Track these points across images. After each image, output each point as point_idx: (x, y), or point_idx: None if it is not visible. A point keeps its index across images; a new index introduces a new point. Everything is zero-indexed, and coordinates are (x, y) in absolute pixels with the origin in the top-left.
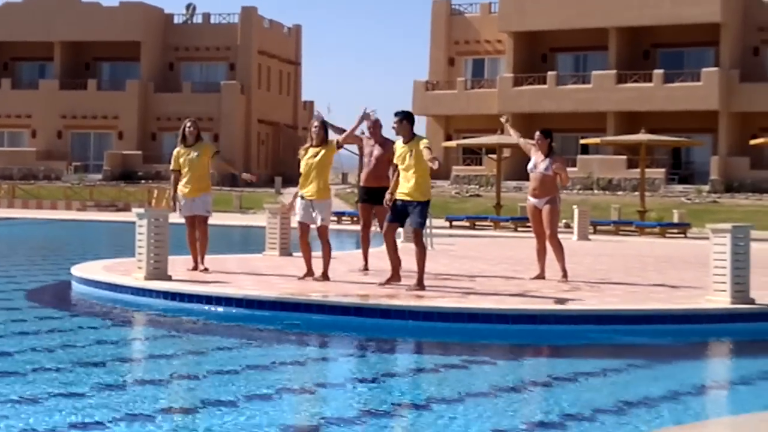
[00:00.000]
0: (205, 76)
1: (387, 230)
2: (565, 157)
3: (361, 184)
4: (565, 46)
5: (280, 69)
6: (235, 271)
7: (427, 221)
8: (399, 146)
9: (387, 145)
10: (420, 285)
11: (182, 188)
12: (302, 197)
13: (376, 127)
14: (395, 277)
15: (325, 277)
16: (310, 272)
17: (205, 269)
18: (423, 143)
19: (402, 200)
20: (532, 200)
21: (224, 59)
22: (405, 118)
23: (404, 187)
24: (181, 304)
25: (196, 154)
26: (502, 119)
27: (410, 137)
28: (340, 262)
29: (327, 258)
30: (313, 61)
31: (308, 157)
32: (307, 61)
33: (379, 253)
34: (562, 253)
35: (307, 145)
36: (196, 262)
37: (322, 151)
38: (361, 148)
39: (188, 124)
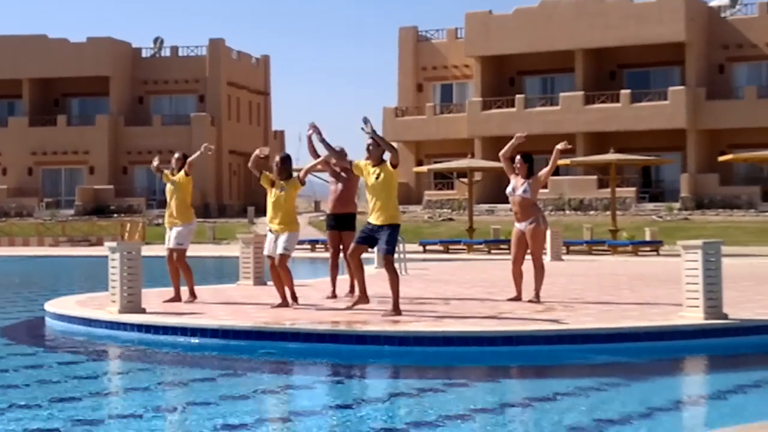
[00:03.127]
0: (175, 109)
1: (353, 251)
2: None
3: (328, 211)
4: (532, 69)
5: (250, 99)
6: (210, 302)
7: (400, 246)
8: (364, 165)
9: (352, 172)
10: (396, 310)
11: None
12: (270, 230)
13: (340, 156)
14: (363, 299)
15: (293, 299)
16: (284, 302)
17: (192, 299)
18: (388, 158)
19: (371, 224)
20: (517, 225)
21: (193, 91)
22: (379, 143)
23: (373, 211)
24: (156, 336)
25: (172, 182)
26: (520, 135)
27: (379, 161)
28: (314, 289)
29: (289, 284)
30: (282, 90)
31: (275, 192)
32: (277, 90)
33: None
34: (542, 277)
35: (271, 178)
36: (177, 291)
37: (287, 188)
38: (335, 173)
39: (176, 156)
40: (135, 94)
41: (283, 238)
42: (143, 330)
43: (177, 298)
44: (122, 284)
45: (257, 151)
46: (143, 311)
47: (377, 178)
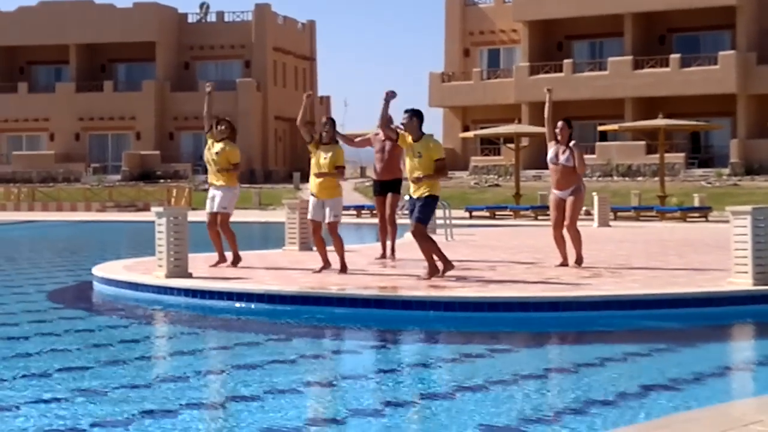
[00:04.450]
0: (221, 75)
1: (412, 230)
2: (583, 144)
3: (375, 178)
4: (580, 33)
5: (296, 65)
6: (256, 267)
7: (446, 212)
8: (407, 140)
9: (392, 143)
10: (431, 269)
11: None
12: (313, 195)
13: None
14: (448, 265)
15: (343, 268)
16: (326, 264)
17: (237, 262)
18: (435, 142)
19: (411, 197)
20: (556, 193)
21: (239, 57)
22: (414, 116)
23: (412, 185)
24: (202, 301)
25: (219, 148)
26: (546, 90)
27: (419, 136)
28: (359, 255)
29: (340, 251)
30: (328, 56)
31: (319, 157)
32: (322, 56)
33: (402, 245)
34: (580, 242)
35: (316, 140)
36: (221, 255)
37: (331, 153)
38: (381, 143)
39: (222, 124)
40: (181, 59)
41: (330, 205)
42: (190, 294)
43: (222, 259)
44: (169, 249)
45: (306, 96)
46: (190, 276)
47: (419, 157)
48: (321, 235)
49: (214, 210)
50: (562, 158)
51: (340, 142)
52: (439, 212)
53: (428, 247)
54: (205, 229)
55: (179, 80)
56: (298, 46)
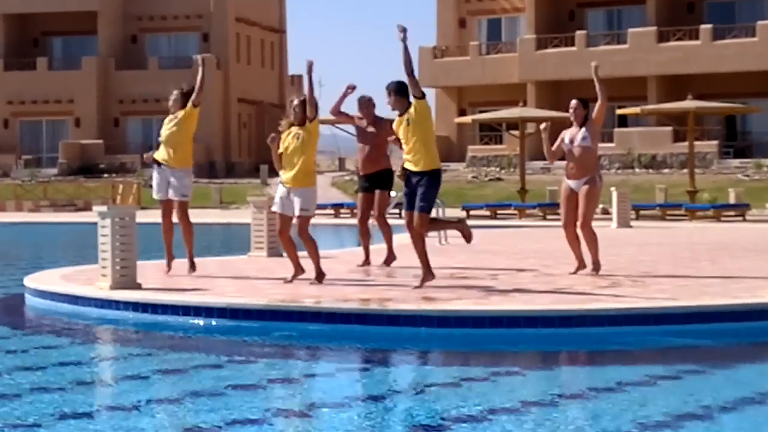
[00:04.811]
0: (175, 50)
1: (408, 221)
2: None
3: (360, 173)
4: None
5: (262, 38)
6: (217, 275)
7: (439, 211)
8: (397, 121)
9: (381, 124)
10: (426, 275)
11: (158, 152)
12: (282, 183)
13: (368, 106)
14: (428, 276)
15: (318, 276)
16: (298, 270)
17: (193, 269)
18: (418, 104)
19: (408, 182)
20: (568, 182)
21: (196, 29)
22: (394, 91)
23: (408, 159)
24: (154, 316)
25: (175, 119)
26: (594, 64)
27: (406, 107)
28: (338, 261)
29: (314, 254)
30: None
31: (288, 138)
32: (294, 28)
33: (381, 249)
34: (596, 245)
35: (286, 122)
36: (170, 258)
37: (303, 132)
38: (359, 129)
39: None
40: (127, 32)
41: (299, 195)
42: (139, 309)
43: (170, 261)
44: (114, 255)
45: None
46: (139, 287)
47: (408, 123)
48: (289, 235)
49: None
50: (578, 139)
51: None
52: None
53: (423, 246)
54: (159, 232)
55: (125, 56)
56: (265, 16)
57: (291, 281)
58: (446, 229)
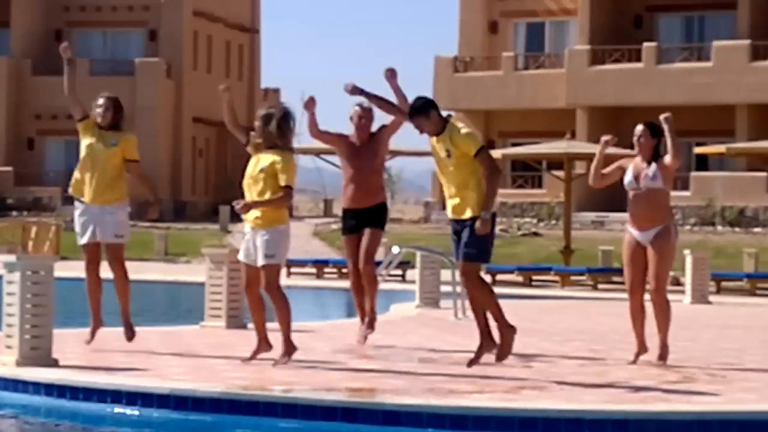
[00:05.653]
0: (111, 50)
1: (464, 272)
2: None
3: (345, 206)
4: (670, 2)
5: (228, 39)
6: (159, 351)
7: (454, 273)
8: (432, 142)
9: (378, 140)
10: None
11: (77, 184)
12: (246, 222)
13: (367, 117)
14: (488, 344)
15: (287, 350)
16: (263, 344)
17: (130, 334)
18: (462, 131)
19: (456, 222)
20: (633, 233)
21: (140, 24)
22: (420, 113)
23: (454, 205)
24: (73, 403)
25: (112, 142)
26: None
27: (441, 127)
28: (320, 337)
29: (284, 319)
30: (278, 28)
31: (256, 165)
32: (269, 27)
33: (387, 321)
34: (667, 319)
35: (255, 141)
36: (97, 325)
37: (277, 158)
38: (348, 152)
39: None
40: (50, 26)
41: (265, 237)
42: (54, 392)
43: (96, 328)
44: (23, 321)
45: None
46: (54, 363)
47: (448, 155)
48: (259, 293)
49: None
50: (646, 178)
51: (294, 152)
52: (445, 274)
53: (486, 299)
54: (83, 290)
55: (46, 57)
56: (232, 10)
57: (251, 359)
58: (494, 316)
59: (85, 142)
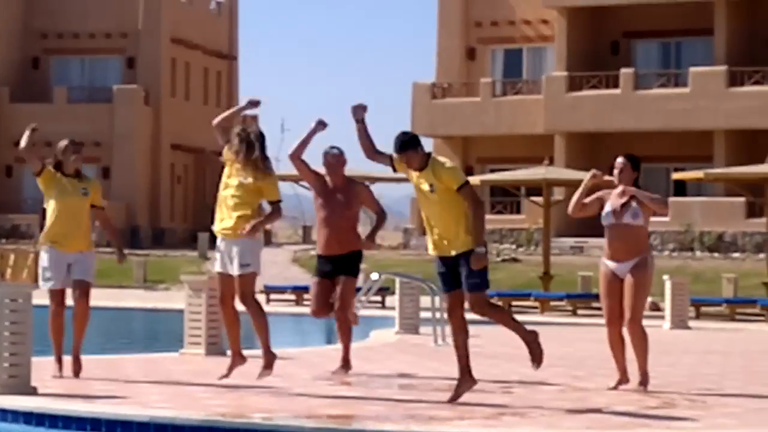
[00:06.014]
0: (89, 78)
1: (451, 306)
2: None
3: (320, 252)
4: (646, 28)
5: (206, 66)
6: (137, 379)
7: (434, 300)
8: (410, 174)
9: (353, 191)
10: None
11: (55, 236)
12: (218, 233)
13: (338, 163)
14: (467, 380)
15: (268, 363)
16: (238, 359)
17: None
18: (446, 165)
19: (443, 257)
20: (609, 264)
21: (118, 51)
22: (410, 147)
23: (438, 240)
24: (53, 431)
25: (83, 192)
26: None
27: (424, 162)
28: (299, 363)
29: (262, 329)
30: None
31: (233, 180)
32: (247, 54)
33: (362, 349)
34: (645, 348)
35: (231, 156)
36: (60, 358)
37: (255, 179)
38: (324, 190)
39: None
40: (27, 53)
41: (240, 247)
42: (32, 421)
43: (59, 362)
44: (1, 349)
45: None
46: (34, 391)
47: (431, 190)
48: (235, 306)
49: None
50: (627, 214)
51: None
52: (424, 300)
53: (506, 321)
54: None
55: (23, 85)
56: (210, 37)
57: (228, 375)
58: (513, 330)
59: (55, 195)
